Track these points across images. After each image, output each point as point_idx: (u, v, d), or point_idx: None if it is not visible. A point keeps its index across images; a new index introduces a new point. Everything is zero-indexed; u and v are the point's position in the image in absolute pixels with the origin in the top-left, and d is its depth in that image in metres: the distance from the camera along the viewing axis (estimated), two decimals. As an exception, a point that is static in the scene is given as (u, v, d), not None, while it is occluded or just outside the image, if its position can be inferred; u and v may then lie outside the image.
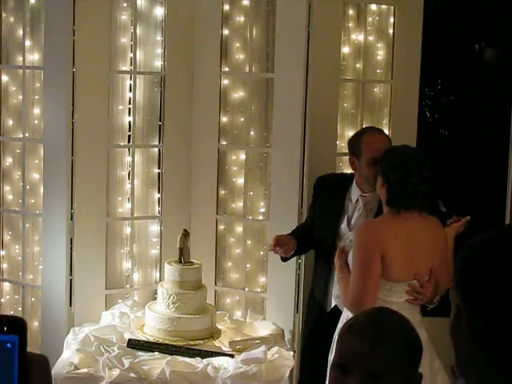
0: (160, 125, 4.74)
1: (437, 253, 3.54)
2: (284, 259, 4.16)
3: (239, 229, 4.82)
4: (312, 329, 4.19)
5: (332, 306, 3.94)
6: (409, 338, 2.03)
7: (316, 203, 4.21)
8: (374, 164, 3.73)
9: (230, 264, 4.86)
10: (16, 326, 1.32)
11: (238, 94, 4.75)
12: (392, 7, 4.72)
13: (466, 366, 1.46)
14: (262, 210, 4.77)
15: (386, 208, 3.58)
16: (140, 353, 4.05)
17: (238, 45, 4.72)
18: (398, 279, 3.46)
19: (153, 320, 4.26)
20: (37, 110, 4.67)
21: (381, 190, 3.58)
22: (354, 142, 3.98)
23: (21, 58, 4.65)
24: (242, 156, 4.76)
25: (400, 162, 3.52)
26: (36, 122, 4.67)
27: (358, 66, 4.72)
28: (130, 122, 4.67)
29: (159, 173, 4.78)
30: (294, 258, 4.34)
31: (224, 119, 4.76)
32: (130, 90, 4.65)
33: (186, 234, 4.34)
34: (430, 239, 3.53)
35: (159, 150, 4.76)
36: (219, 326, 4.42)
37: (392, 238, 3.44)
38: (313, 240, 4.17)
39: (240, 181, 4.78)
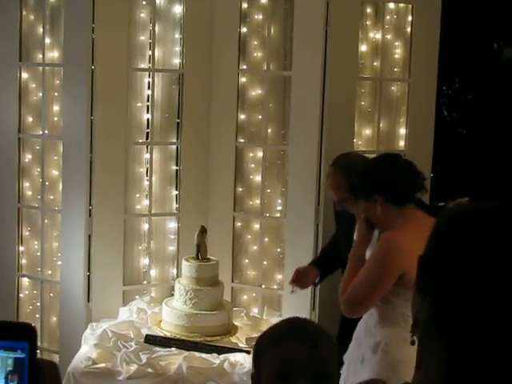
0: (178, 122, 4.77)
1: None
2: (313, 284, 4.15)
3: (256, 226, 4.84)
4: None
5: None
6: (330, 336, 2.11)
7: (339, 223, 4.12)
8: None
9: (246, 261, 4.89)
10: (26, 332, 1.33)
11: (256, 92, 4.77)
12: (410, 5, 4.73)
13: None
14: (279, 207, 4.79)
15: (396, 222, 3.36)
16: (157, 348, 4.08)
17: (256, 43, 4.74)
18: None
19: (170, 316, 4.29)
20: (56, 107, 4.71)
21: (381, 208, 3.34)
22: None
23: (41, 56, 4.69)
24: (260, 153, 4.78)
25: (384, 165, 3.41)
26: (55, 118, 4.72)
27: (375, 64, 4.73)
28: (148, 120, 4.70)
29: (177, 170, 4.80)
30: (310, 254, 4.37)
31: (242, 117, 4.78)
32: (149, 88, 4.68)
33: (203, 231, 4.37)
34: None
35: (177, 148, 4.79)
36: (236, 323, 4.44)
37: (416, 252, 3.33)
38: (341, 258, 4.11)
39: (257, 178, 4.80)
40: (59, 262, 4.71)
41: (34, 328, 1.34)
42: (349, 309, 3.32)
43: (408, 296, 3.25)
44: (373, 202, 3.35)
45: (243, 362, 3.95)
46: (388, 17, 4.73)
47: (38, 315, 4.89)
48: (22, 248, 4.87)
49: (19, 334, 1.33)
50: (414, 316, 1.32)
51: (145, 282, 4.78)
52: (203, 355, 4.00)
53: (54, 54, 4.68)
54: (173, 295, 4.51)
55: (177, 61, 4.75)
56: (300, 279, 4.03)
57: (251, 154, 4.83)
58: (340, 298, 3.34)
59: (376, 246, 3.37)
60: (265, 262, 4.82)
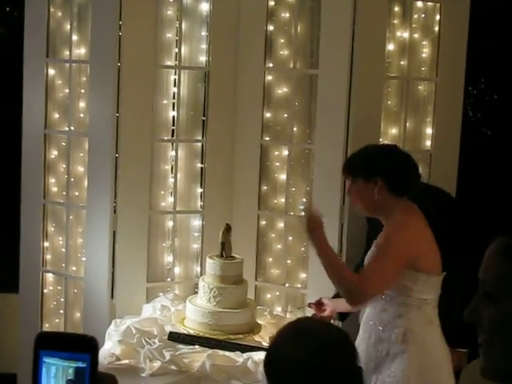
0: (203, 120, 4.77)
1: None
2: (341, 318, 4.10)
3: (280, 224, 4.83)
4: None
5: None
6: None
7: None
8: None
9: (270, 259, 4.88)
10: (88, 344, 1.34)
11: (282, 90, 4.75)
12: (438, 4, 4.70)
13: None
14: (304, 206, 4.77)
15: (388, 210, 3.40)
16: (180, 346, 4.08)
17: (282, 41, 4.72)
18: (435, 272, 3.40)
19: (193, 313, 4.29)
20: (82, 104, 4.72)
21: (379, 193, 3.38)
22: None
23: (67, 52, 4.71)
24: (285, 152, 4.77)
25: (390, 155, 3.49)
26: (81, 115, 4.73)
27: (402, 63, 4.70)
28: (173, 117, 4.70)
29: (202, 167, 4.80)
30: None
31: (267, 115, 4.77)
32: (175, 85, 4.68)
33: (228, 229, 4.36)
34: None
35: (202, 145, 4.79)
36: (259, 321, 4.43)
37: (424, 232, 3.38)
38: None
39: (282, 177, 4.78)
40: (83, 258, 4.72)
41: (96, 340, 1.35)
42: (366, 296, 3.30)
43: (425, 279, 3.30)
44: (372, 184, 3.37)
45: (266, 360, 3.93)
46: (416, 15, 4.70)
47: (61, 311, 4.91)
48: (46, 244, 4.89)
49: (82, 346, 1.33)
50: None
51: (168, 280, 4.78)
52: (227, 353, 3.99)
53: (80, 51, 4.70)
54: (196, 293, 4.51)
55: (203, 58, 4.75)
56: (320, 310, 3.97)
57: (276, 153, 4.82)
58: (358, 286, 3.27)
59: (388, 239, 3.34)
60: (289, 261, 4.81)
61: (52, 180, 4.87)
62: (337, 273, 3.38)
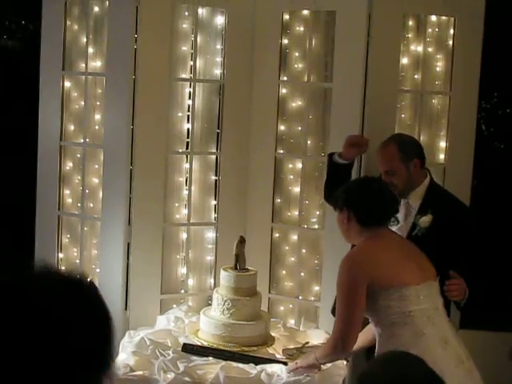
0: (218, 132, 4.80)
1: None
2: None
3: (294, 237, 4.84)
4: None
5: None
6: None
7: None
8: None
9: (284, 272, 4.88)
10: None
11: (296, 103, 4.78)
12: (452, 18, 4.71)
13: None
14: (317, 219, 4.78)
15: (359, 238, 3.61)
16: (194, 357, 4.08)
17: (297, 54, 4.75)
18: (409, 282, 3.45)
19: (207, 325, 4.30)
20: (97, 116, 4.75)
21: (348, 223, 3.60)
22: None
23: (83, 65, 4.75)
24: (299, 165, 4.79)
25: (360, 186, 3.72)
26: (97, 127, 4.76)
27: (416, 76, 4.72)
28: (188, 129, 4.73)
29: (216, 180, 4.82)
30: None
31: (281, 128, 4.79)
32: (189, 98, 4.71)
33: (242, 241, 4.37)
34: (414, 246, 3.64)
35: (216, 157, 4.81)
36: (273, 334, 4.44)
37: (380, 251, 3.52)
38: None
39: (296, 189, 4.80)
40: (98, 270, 4.74)
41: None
42: (344, 343, 3.49)
43: (401, 292, 3.36)
44: (344, 214, 3.61)
45: (280, 373, 3.94)
46: (430, 29, 4.72)
47: (75, 322, 4.92)
48: (61, 255, 4.91)
49: None
50: None
51: (182, 291, 4.80)
52: (240, 365, 4.00)
53: (96, 64, 4.73)
54: (210, 305, 4.52)
55: (218, 71, 4.78)
56: None
57: (290, 165, 4.84)
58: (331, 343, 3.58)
59: (338, 275, 3.53)
60: (302, 274, 4.82)
61: (67, 191, 4.90)
62: (324, 359, 3.75)
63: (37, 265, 1.54)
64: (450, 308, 4.06)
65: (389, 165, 4.07)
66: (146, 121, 4.56)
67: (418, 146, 4.20)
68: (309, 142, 4.74)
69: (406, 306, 3.42)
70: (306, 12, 4.70)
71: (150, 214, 4.62)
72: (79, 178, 4.83)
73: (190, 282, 4.81)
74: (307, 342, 4.27)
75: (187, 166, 4.74)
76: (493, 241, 4.22)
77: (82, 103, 4.78)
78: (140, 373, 3.93)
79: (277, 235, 4.87)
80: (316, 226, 4.79)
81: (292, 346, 4.31)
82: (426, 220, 3.93)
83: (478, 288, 3.85)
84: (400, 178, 4.04)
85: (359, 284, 3.42)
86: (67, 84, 4.82)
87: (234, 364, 4.00)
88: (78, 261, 4.86)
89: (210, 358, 4.06)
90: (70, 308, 1.48)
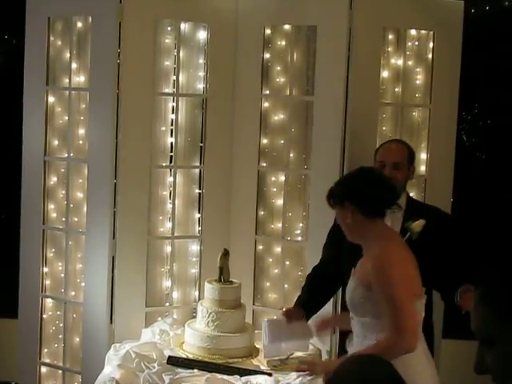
0: (201, 146, 4.83)
1: None
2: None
3: (278, 249, 4.88)
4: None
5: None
6: None
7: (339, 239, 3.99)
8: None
9: (268, 284, 4.92)
10: None
11: (278, 117, 4.82)
12: (431, 32, 4.78)
13: None
14: (300, 231, 4.82)
15: (366, 233, 3.46)
16: (179, 370, 4.10)
17: (278, 68, 4.80)
18: (420, 293, 3.46)
19: (192, 338, 4.32)
20: (81, 131, 4.78)
21: (352, 217, 3.43)
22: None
23: (67, 80, 4.78)
24: (282, 177, 4.83)
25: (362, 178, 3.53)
26: (81, 142, 4.79)
27: (397, 89, 4.78)
28: (171, 143, 4.76)
29: (200, 193, 4.86)
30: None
31: (264, 141, 4.83)
32: (173, 112, 4.74)
33: (226, 254, 4.41)
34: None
35: (200, 171, 4.85)
36: (257, 345, 4.46)
37: (405, 262, 3.42)
38: (338, 279, 4.18)
39: (279, 202, 4.84)
40: (83, 284, 4.76)
41: None
42: (415, 337, 3.30)
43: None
44: (345, 209, 3.44)
45: (264, 384, 3.98)
46: (409, 43, 4.79)
47: (60, 336, 4.94)
48: (46, 269, 4.93)
49: None
50: None
51: (167, 304, 4.82)
52: (225, 377, 4.03)
53: (80, 79, 4.77)
54: (195, 317, 4.55)
55: (200, 86, 4.82)
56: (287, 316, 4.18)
57: (273, 178, 4.88)
58: (399, 343, 3.27)
59: (375, 273, 3.34)
60: (286, 285, 4.85)
61: (51, 206, 4.92)
62: (379, 353, 3.39)
63: None
64: (432, 318, 4.11)
65: (400, 157, 4.15)
66: (130, 135, 4.59)
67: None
68: (291, 154, 4.78)
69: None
70: (287, 27, 4.76)
71: (135, 228, 4.64)
72: (63, 192, 4.85)
73: (175, 294, 4.84)
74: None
75: (171, 179, 4.78)
76: (472, 252, 4.26)
77: (66, 118, 4.81)
78: (125, 386, 3.95)
79: (260, 247, 4.91)
80: (299, 238, 4.83)
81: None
82: (419, 224, 3.92)
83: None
84: (403, 175, 4.14)
85: (406, 283, 3.33)
86: (51, 99, 4.85)
87: (219, 376, 4.03)
88: (62, 275, 4.88)
89: (195, 371, 4.09)
90: None
